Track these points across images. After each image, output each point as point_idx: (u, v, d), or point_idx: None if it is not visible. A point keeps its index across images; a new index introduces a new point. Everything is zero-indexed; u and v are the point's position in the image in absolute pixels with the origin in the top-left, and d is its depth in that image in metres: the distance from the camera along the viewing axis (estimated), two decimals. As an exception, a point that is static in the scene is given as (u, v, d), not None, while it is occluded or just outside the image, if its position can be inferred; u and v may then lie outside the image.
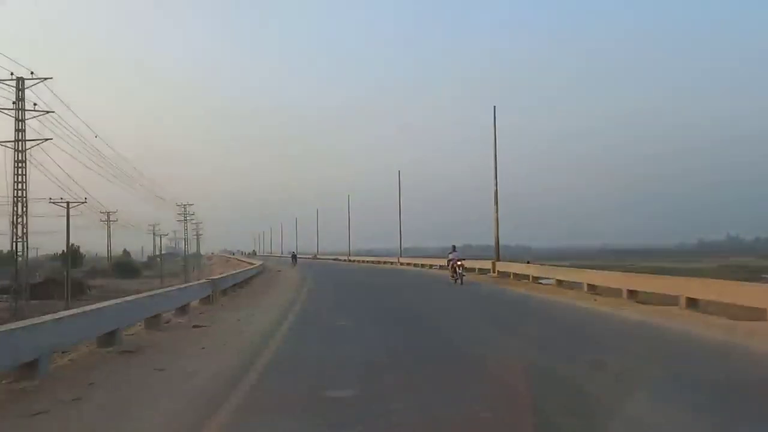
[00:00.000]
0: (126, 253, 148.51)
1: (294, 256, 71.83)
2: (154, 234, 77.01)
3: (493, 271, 30.12)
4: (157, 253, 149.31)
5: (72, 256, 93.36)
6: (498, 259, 31.36)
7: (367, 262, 66.05)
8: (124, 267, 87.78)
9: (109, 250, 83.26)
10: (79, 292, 45.19)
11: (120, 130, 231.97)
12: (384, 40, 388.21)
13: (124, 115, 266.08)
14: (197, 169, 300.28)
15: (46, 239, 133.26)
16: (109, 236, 79.57)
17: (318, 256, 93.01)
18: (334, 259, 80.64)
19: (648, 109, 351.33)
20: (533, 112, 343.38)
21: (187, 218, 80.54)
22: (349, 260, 72.54)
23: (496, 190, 32.28)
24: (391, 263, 55.37)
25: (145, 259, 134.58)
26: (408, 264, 50.15)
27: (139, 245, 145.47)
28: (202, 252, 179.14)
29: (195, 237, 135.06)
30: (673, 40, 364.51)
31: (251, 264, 43.42)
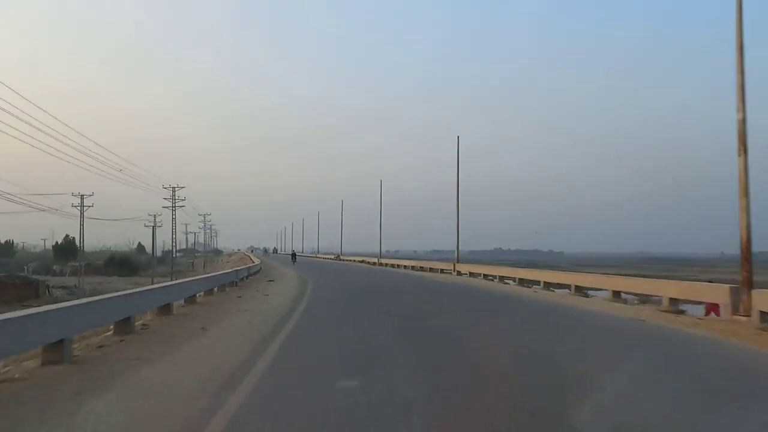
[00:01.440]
0: (141, 247, 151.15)
1: (294, 255, 76.90)
2: (154, 227, 73.97)
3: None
4: (179, 248, 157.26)
5: (67, 248, 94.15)
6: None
7: (404, 267, 50.79)
8: (121, 263, 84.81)
9: (81, 244, 70.83)
10: (33, 295, 40.72)
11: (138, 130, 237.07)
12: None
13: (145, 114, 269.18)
14: (224, 167, 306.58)
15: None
16: (82, 227, 65.99)
17: (342, 257, 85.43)
18: (361, 261, 69.74)
19: (690, 108, 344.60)
20: (571, 115, 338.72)
21: (176, 202, 74.70)
22: (379, 263, 60.13)
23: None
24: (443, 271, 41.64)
25: (159, 254, 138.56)
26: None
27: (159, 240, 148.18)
28: (234, 248, 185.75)
29: (204, 233, 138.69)
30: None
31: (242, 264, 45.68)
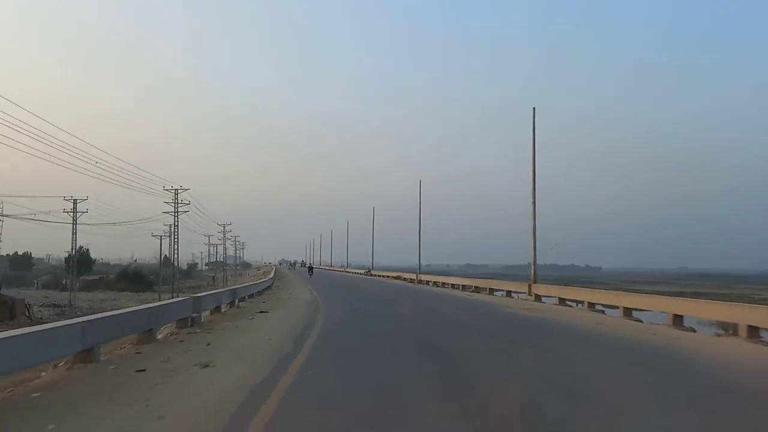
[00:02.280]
0: (167, 260, 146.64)
1: (310, 269, 72.65)
2: (161, 239, 65.04)
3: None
4: (207, 262, 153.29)
5: (79, 260, 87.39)
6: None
7: (453, 286, 40.95)
8: (134, 277, 78.30)
9: (73, 256, 59.66)
10: (7, 316, 33.69)
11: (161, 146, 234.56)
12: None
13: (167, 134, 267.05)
14: (258, 183, 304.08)
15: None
16: (74, 236, 56.00)
17: (373, 272, 75.40)
18: (396, 277, 59.55)
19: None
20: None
21: (179, 204, 59.95)
22: (419, 280, 50.34)
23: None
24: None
25: (185, 267, 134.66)
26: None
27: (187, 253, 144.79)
28: (266, 261, 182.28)
29: (224, 244, 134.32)
30: None
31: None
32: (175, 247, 57.68)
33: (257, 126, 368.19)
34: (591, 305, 21.91)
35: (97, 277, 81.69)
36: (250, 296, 25.92)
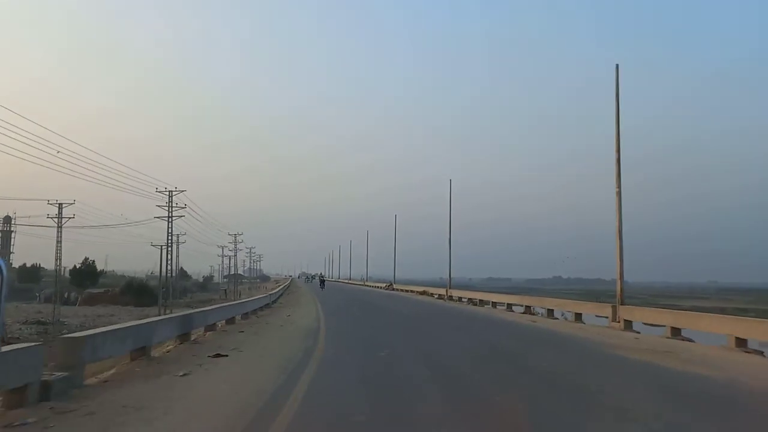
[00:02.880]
0: (182, 271, 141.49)
1: (322, 281, 68.13)
2: (162, 249, 55.55)
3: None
4: (226, 274, 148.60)
5: (86, 272, 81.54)
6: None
7: (492, 304, 32.34)
8: (139, 291, 71.88)
9: (58, 264, 50.91)
10: None
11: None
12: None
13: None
14: (282, 201, 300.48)
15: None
16: (59, 244, 47.98)
17: (394, 286, 65.90)
18: (422, 292, 50.82)
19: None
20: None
21: (172, 207, 48.99)
22: (449, 297, 41.84)
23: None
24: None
25: (201, 279, 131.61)
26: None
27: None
28: (286, 274, 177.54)
29: (236, 256, 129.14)
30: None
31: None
32: (168, 257, 49.99)
33: (285, 145, 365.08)
34: (740, 342, 13.94)
35: (102, 290, 76.18)
36: (230, 321, 18.57)
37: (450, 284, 45.68)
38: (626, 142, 22.23)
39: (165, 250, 48.83)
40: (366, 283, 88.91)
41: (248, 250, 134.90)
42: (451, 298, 41.27)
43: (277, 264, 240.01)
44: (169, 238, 49.67)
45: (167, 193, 50.82)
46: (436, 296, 45.39)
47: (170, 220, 49.94)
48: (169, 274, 50.64)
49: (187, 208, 55.37)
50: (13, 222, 65.01)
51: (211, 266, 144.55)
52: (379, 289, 65.45)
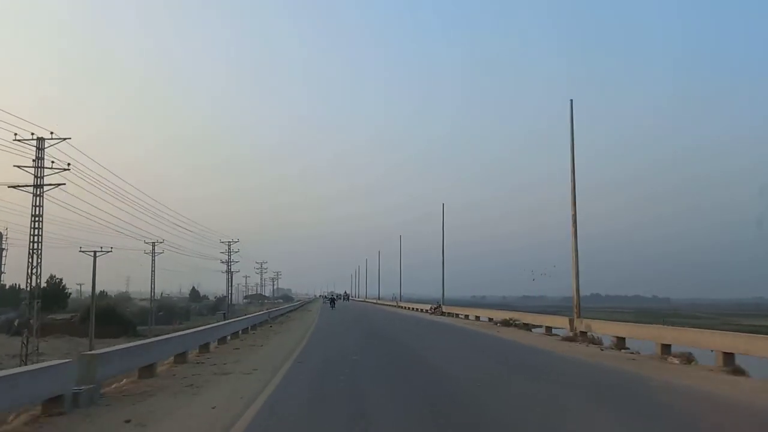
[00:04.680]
0: (194, 293, 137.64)
1: (333, 300, 63.28)
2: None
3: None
4: (246, 294, 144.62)
5: (50, 292, 71.57)
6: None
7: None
8: (105, 318, 57.05)
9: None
10: None
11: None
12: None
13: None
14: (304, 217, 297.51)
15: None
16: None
17: (443, 308, 48.62)
18: (508, 321, 31.08)
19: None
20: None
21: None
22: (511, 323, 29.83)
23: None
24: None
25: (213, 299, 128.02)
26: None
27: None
28: (311, 293, 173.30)
29: (261, 277, 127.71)
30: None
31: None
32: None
33: (300, 159, 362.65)
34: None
35: (69, 316, 62.74)
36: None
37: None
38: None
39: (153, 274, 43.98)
40: (399, 304, 70.73)
41: (259, 265, 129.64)
42: (517, 324, 29.01)
43: (307, 284, 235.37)
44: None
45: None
46: (502, 322, 30.84)
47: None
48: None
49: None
50: (5, 238, 61.29)
51: (238, 284, 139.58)
52: (421, 313, 50.02)
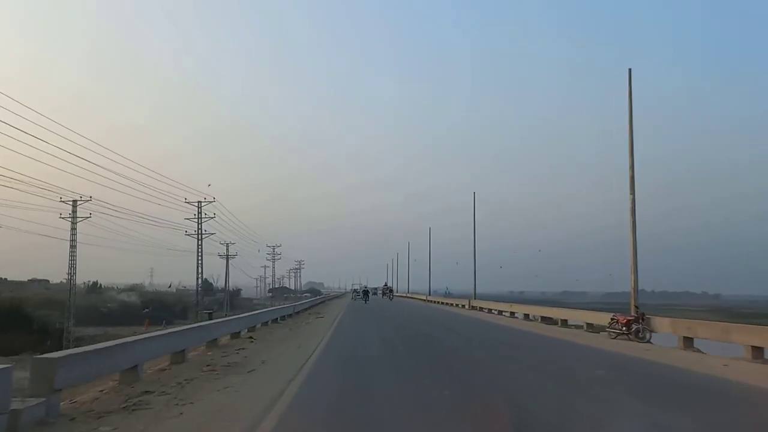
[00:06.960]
0: (207, 284, 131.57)
1: (366, 293, 57.42)
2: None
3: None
4: (269, 288, 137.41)
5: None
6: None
7: None
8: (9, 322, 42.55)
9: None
10: None
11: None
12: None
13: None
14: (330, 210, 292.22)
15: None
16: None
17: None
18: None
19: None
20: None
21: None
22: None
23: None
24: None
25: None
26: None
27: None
28: (344, 287, 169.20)
29: (273, 268, 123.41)
30: None
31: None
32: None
33: (321, 151, 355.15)
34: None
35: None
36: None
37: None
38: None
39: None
40: (448, 302, 55.00)
41: (278, 255, 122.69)
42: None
43: (341, 276, 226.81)
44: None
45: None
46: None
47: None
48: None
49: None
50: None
51: (257, 278, 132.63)
52: (500, 321, 30.79)
